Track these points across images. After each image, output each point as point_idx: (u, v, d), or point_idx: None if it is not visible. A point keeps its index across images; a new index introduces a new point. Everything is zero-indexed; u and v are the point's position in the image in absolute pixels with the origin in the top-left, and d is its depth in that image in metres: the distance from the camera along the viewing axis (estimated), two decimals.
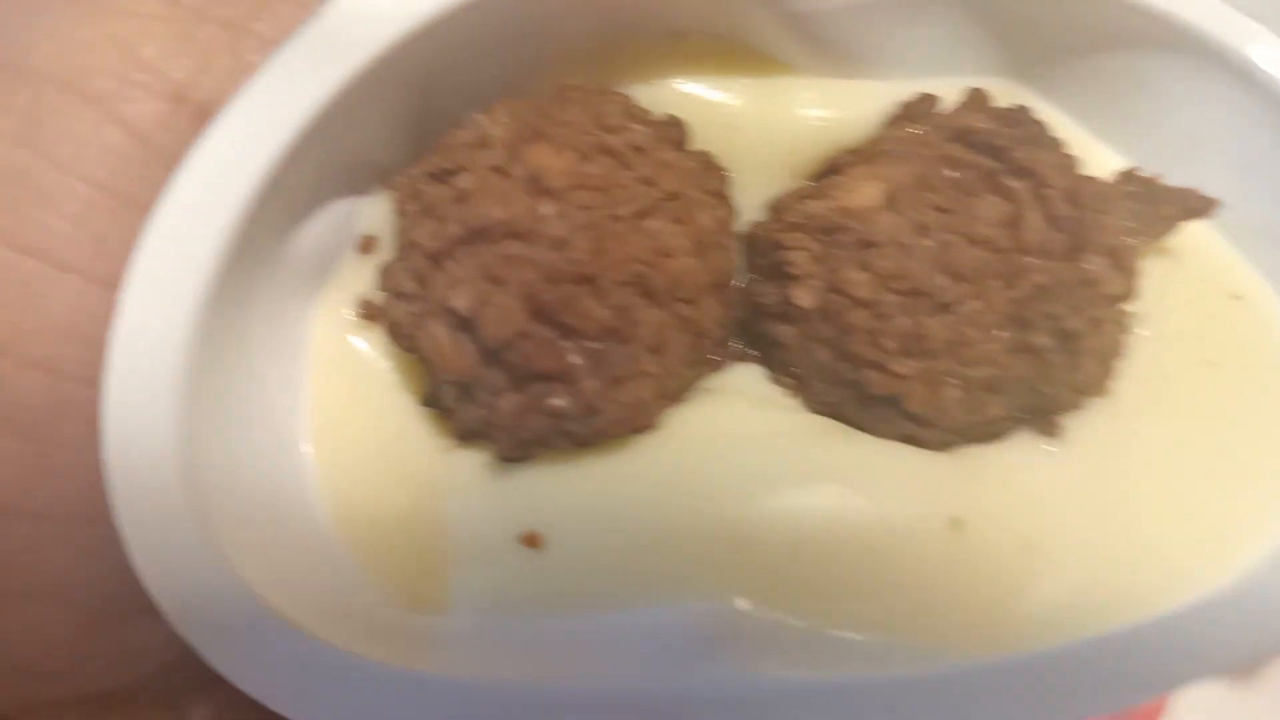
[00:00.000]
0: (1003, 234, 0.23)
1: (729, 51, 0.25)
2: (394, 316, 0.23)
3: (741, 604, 0.22)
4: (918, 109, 0.26)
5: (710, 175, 0.25)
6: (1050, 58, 0.27)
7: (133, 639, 0.26)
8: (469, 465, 0.24)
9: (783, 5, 0.24)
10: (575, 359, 0.21)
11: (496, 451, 0.23)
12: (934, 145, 0.24)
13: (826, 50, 0.26)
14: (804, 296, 0.23)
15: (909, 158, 0.24)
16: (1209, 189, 0.27)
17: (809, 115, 0.26)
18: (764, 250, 0.25)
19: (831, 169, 0.26)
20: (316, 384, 0.25)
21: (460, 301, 0.21)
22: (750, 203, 0.27)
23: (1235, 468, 0.25)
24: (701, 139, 0.26)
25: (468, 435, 0.23)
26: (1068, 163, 0.24)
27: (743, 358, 0.26)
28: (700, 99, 0.26)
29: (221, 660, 0.21)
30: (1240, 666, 0.21)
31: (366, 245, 0.25)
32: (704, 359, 0.25)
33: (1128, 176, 0.26)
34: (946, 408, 0.23)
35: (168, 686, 0.29)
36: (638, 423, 0.23)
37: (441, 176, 0.22)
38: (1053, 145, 0.25)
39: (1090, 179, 0.25)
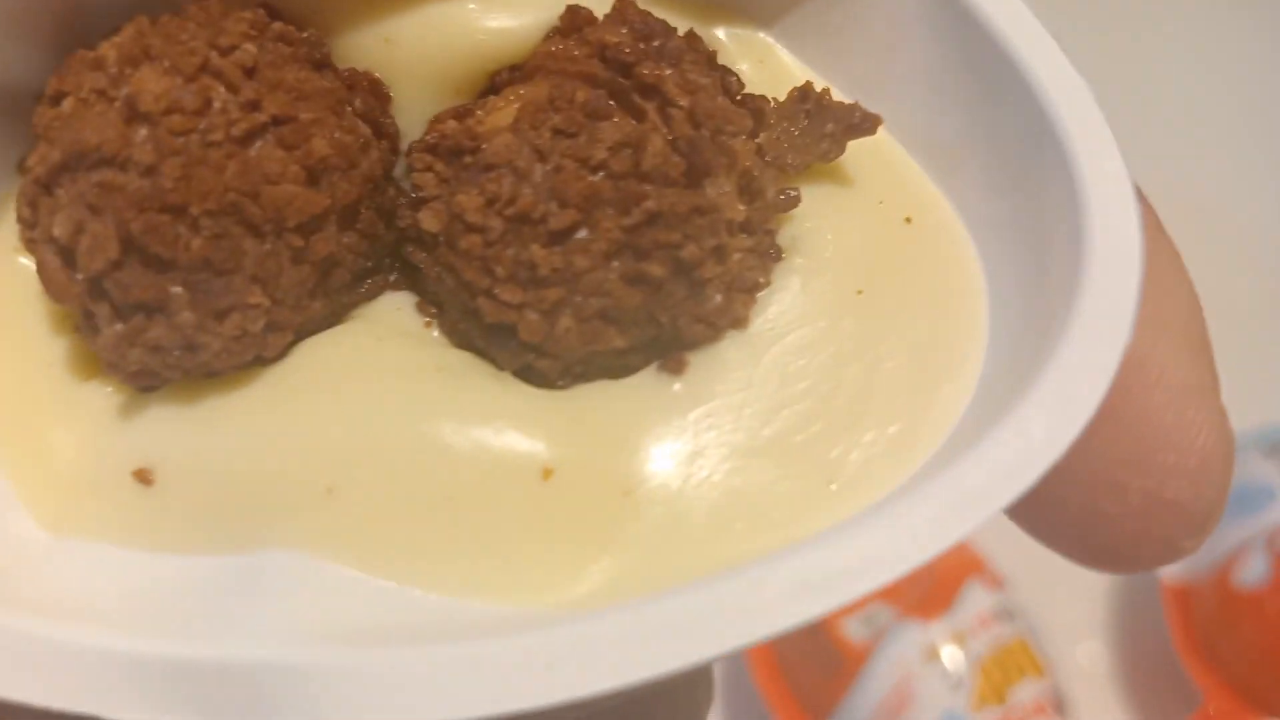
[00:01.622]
0: (622, 158, 0.22)
1: None
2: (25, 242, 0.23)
3: (314, 557, 0.21)
4: (570, 22, 0.24)
5: (361, 96, 0.24)
6: None
7: None
8: (97, 395, 0.23)
9: None
10: (176, 289, 0.21)
11: (121, 382, 0.23)
12: (578, 61, 0.23)
13: None
14: (428, 219, 0.23)
15: (551, 75, 0.23)
16: (900, 105, 0.25)
17: (480, 27, 0.25)
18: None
19: (491, 87, 0.25)
20: None
21: (59, 230, 0.21)
22: (415, 124, 0.25)
23: (863, 411, 0.23)
24: (361, 57, 0.25)
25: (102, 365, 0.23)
26: (697, 81, 0.23)
27: (399, 285, 0.25)
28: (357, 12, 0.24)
29: None
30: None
31: (21, 167, 0.24)
32: (347, 286, 0.24)
33: (802, 93, 0.25)
34: (560, 337, 0.22)
35: None
36: (246, 356, 0.22)
37: (55, 99, 0.22)
38: (689, 60, 0.23)
39: (718, 97, 0.23)
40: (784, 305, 0.24)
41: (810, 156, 0.25)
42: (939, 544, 0.19)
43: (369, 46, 0.24)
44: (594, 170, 0.22)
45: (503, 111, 0.23)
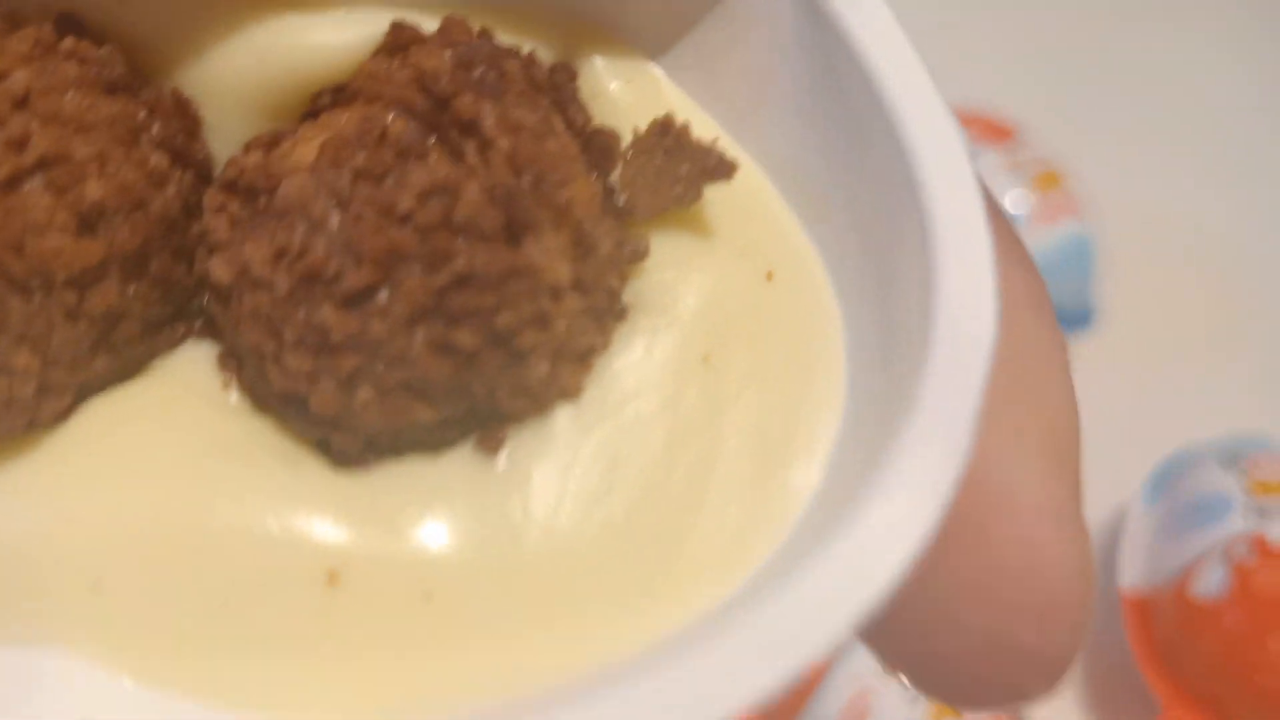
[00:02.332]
0: (431, 208, 0.19)
1: None
2: None
3: (83, 657, 0.19)
4: (394, 39, 0.22)
5: (161, 120, 0.21)
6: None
7: None
8: None
9: None
10: None
11: None
12: (398, 86, 0.20)
13: None
14: (219, 268, 0.20)
15: (365, 103, 0.21)
16: (774, 137, 0.23)
17: (298, 42, 0.22)
18: None
19: (311, 111, 0.22)
20: None
21: None
22: (230, 149, 0.22)
23: (698, 501, 0.20)
24: (171, 73, 0.22)
25: None
26: (523, 118, 0.20)
27: (205, 332, 0.22)
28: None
29: None
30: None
31: None
32: (137, 338, 0.21)
33: (663, 126, 0.22)
34: (358, 411, 0.19)
35: None
36: (17, 423, 0.20)
37: None
38: (516, 92, 0.20)
39: (546, 138, 0.20)
40: (623, 372, 0.21)
41: (665, 200, 0.22)
42: (748, 693, 0.16)
43: (180, 61, 0.22)
44: (399, 221, 0.19)
45: (308, 145, 0.20)
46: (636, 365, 0.21)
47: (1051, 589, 0.19)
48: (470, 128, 0.20)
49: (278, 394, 0.20)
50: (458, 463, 0.20)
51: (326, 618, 0.19)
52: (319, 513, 0.20)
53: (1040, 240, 0.87)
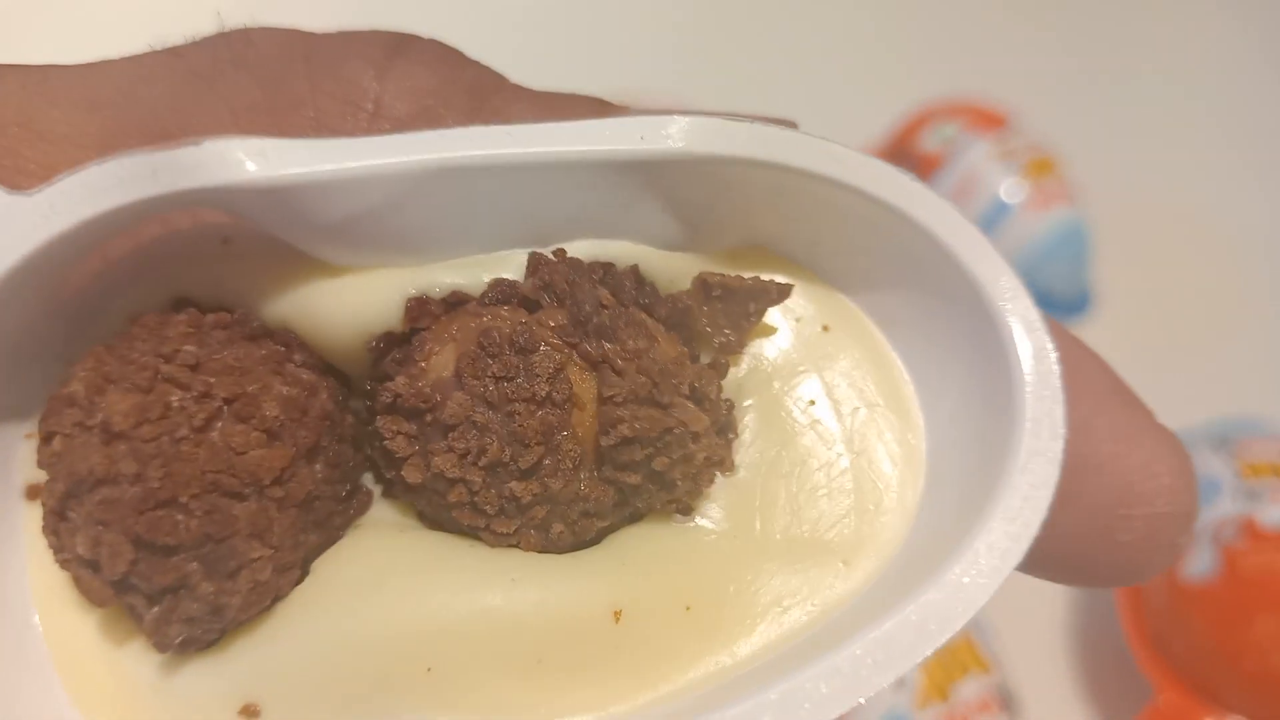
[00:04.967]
0: (560, 384, 0.25)
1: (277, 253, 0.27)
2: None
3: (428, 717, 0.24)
4: (501, 292, 0.27)
5: (298, 351, 0.27)
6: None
7: None
8: (155, 661, 0.26)
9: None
10: (191, 566, 0.24)
11: (173, 655, 0.26)
12: (490, 306, 0.26)
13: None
14: (411, 473, 0.25)
15: (471, 317, 0.26)
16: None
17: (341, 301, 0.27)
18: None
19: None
20: (43, 611, 0.26)
21: (81, 549, 0.24)
22: (346, 360, 0.28)
23: (837, 498, 0.27)
24: (282, 319, 0.28)
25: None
26: (637, 346, 0.26)
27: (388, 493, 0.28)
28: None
29: None
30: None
31: (31, 493, 0.27)
32: (334, 513, 0.27)
33: (703, 284, 0.28)
34: (555, 540, 0.26)
35: None
36: (265, 601, 0.25)
37: (47, 439, 0.25)
38: (624, 325, 0.26)
39: (653, 354, 0.26)
40: (754, 438, 0.27)
41: (743, 334, 0.28)
42: (974, 605, 0.23)
43: (283, 312, 0.27)
44: (539, 405, 0.25)
45: (440, 358, 0.25)
46: (760, 430, 0.27)
47: (1171, 468, 0.27)
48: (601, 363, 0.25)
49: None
50: (654, 525, 0.27)
51: (616, 647, 0.25)
52: (583, 576, 0.26)
53: (1034, 227, 0.87)
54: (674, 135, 0.25)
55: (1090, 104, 1.03)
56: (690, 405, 0.25)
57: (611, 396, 0.25)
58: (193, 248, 0.27)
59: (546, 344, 0.25)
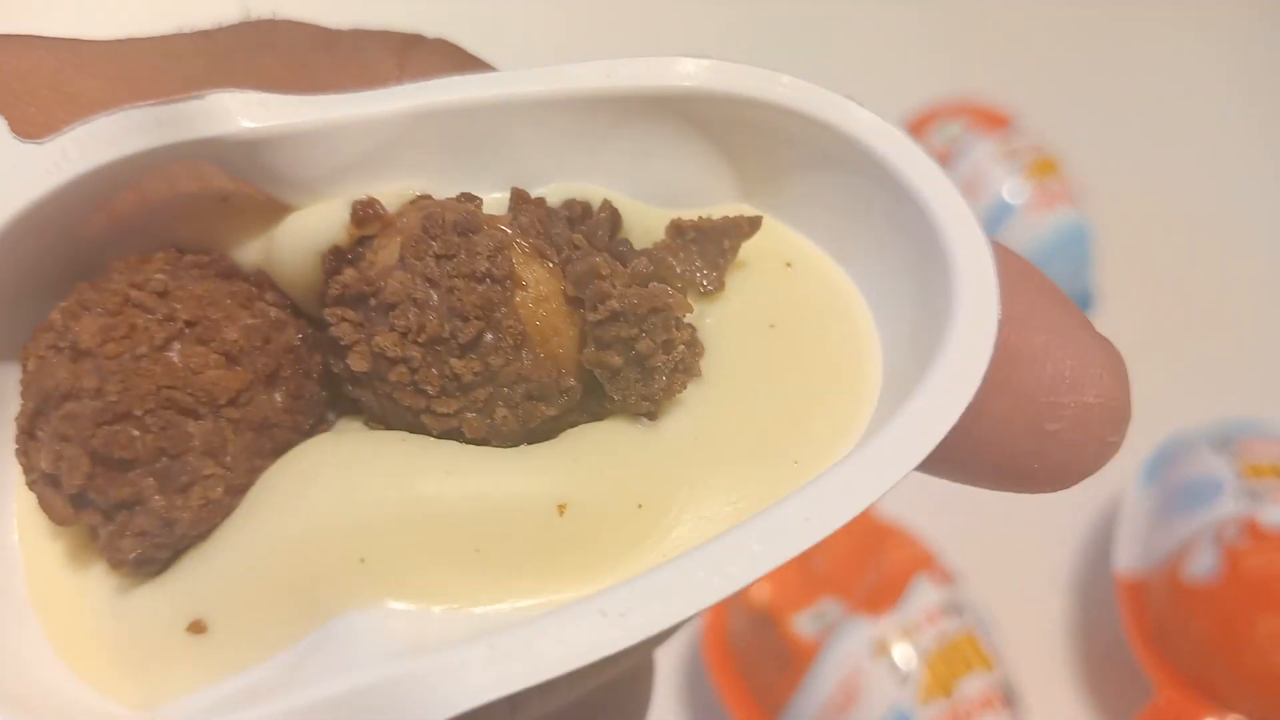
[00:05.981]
0: (500, 262, 0.25)
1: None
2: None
3: (395, 604, 0.24)
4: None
5: (270, 290, 0.28)
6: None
7: None
8: (108, 583, 0.26)
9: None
10: (146, 481, 0.24)
11: (128, 574, 0.26)
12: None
13: None
14: (356, 361, 0.25)
15: (419, 209, 0.26)
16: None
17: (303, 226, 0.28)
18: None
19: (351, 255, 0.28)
20: (23, 528, 0.27)
21: (44, 464, 0.25)
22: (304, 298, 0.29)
23: (796, 408, 0.27)
24: (257, 261, 0.29)
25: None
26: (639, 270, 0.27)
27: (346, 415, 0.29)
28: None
29: None
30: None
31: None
32: (290, 442, 0.27)
33: (676, 228, 0.29)
34: (499, 426, 0.26)
35: None
36: (216, 519, 0.26)
37: (24, 363, 0.26)
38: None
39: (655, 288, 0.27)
40: (714, 350, 0.27)
41: (721, 270, 0.29)
42: (901, 469, 0.24)
43: (256, 258, 0.28)
44: (479, 280, 0.25)
45: (387, 250, 0.26)
46: (720, 344, 0.28)
47: (1103, 361, 0.27)
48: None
49: (437, 435, 0.26)
50: (613, 426, 0.27)
51: (560, 540, 0.25)
52: (529, 470, 0.25)
53: (1037, 227, 0.88)
54: (636, 73, 0.27)
55: (1094, 105, 1.03)
56: (675, 292, 0.26)
57: (606, 275, 0.25)
58: (193, 205, 0.28)
59: (490, 226, 0.25)
